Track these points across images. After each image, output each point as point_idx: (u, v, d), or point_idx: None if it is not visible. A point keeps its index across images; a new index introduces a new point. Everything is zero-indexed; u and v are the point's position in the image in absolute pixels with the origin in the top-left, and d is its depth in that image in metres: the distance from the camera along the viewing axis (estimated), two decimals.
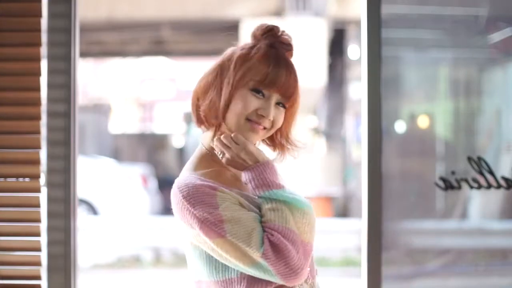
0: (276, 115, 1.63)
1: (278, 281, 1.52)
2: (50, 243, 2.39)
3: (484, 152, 2.58)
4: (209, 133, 1.67)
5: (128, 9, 10.10)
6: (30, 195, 2.36)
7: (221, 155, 1.62)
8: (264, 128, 1.63)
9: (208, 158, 1.66)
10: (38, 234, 2.35)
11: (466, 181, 2.49)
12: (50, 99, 2.40)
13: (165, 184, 10.93)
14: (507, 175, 2.49)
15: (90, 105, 15.29)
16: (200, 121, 1.67)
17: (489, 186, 2.48)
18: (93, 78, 16.74)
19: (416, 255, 2.67)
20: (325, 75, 10.40)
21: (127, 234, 8.78)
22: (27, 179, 2.36)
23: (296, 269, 1.51)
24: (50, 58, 2.40)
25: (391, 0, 2.49)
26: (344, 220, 10.37)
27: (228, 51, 1.67)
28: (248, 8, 10.00)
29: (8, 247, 2.37)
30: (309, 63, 9.57)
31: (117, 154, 14.09)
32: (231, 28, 9.89)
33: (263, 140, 1.72)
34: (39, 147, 2.36)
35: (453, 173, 2.50)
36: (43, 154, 2.38)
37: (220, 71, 1.63)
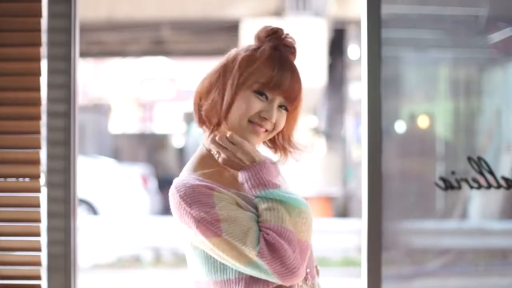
0: (278, 117, 1.64)
1: (276, 280, 1.52)
2: (50, 243, 2.39)
3: (484, 152, 2.58)
4: None
5: (128, 9, 10.10)
6: (30, 195, 2.36)
7: (217, 155, 1.62)
8: (266, 131, 1.64)
9: (208, 159, 1.66)
10: (38, 234, 2.35)
11: (466, 181, 2.49)
12: (50, 99, 2.40)
13: (165, 184, 10.92)
14: (507, 175, 2.49)
15: (90, 105, 15.28)
16: (201, 121, 1.67)
17: (489, 186, 2.48)
18: (93, 78, 16.74)
19: (416, 255, 2.67)
20: (325, 75, 10.40)
21: (127, 234, 8.78)
22: (27, 179, 2.36)
23: (292, 268, 1.50)
24: (50, 58, 2.40)
25: (391, 0, 2.49)
26: (344, 220, 10.36)
27: (232, 52, 1.67)
28: (248, 8, 10.00)
29: (8, 247, 2.37)
30: (309, 63, 9.57)
31: (117, 154, 14.09)
32: (231, 28, 9.90)
33: (264, 142, 1.72)
34: (39, 147, 2.36)
35: (453, 173, 2.50)
36: (43, 154, 2.38)
37: (223, 72, 1.63)
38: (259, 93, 1.61)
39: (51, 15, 2.39)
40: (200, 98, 1.67)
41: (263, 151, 1.73)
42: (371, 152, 2.41)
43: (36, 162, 2.35)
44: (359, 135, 9.80)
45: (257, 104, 1.61)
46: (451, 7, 2.63)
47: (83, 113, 12.03)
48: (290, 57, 1.65)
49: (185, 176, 1.62)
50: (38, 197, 2.35)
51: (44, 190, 2.39)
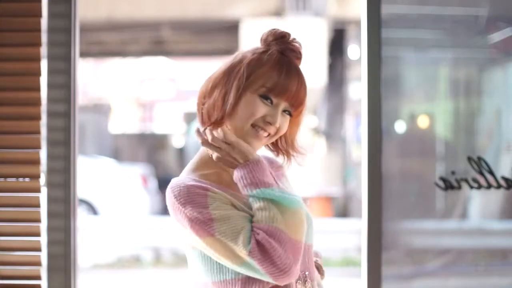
0: (282, 122, 1.64)
1: (269, 280, 1.52)
2: (50, 243, 2.39)
3: (484, 152, 2.58)
4: None
5: (128, 9, 10.10)
6: (30, 195, 2.36)
7: (210, 152, 1.62)
8: (268, 135, 1.64)
9: (208, 160, 1.66)
10: (38, 234, 2.35)
11: (466, 181, 2.49)
12: (50, 99, 2.40)
13: (165, 184, 10.76)
14: (507, 175, 2.49)
15: (90, 105, 15.28)
16: (204, 121, 1.67)
17: (489, 186, 2.48)
18: (93, 78, 16.74)
19: (416, 255, 2.67)
20: (325, 75, 10.40)
21: (127, 234, 8.78)
22: (27, 179, 2.36)
23: (284, 268, 1.50)
24: (50, 58, 2.40)
25: (391, 0, 2.49)
26: (344, 220, 10.36)
27: (239, 54, 1.66)
28: (248, 8, 10.00)
29: (8, 247, 2.37)
30: (309, 63, 9.57)
31: (117, 154, 14.09)
32: (231, 28, 9.90)
33: (266, 146, 1.72)
34: (39, 147, 2.36)
35: (453, 173, 2.50)
36: (43, 154, 2.38)
37: (228, 73, 1.63)
38: (264, 97, 1.61)
39: (51, 15, 2.39)
40: (204, 97, 1.66)
41: (269, 153, 1.73)
42: (371, 152, 2.41)
43: (36, 162, 2.35)
44: (359, 135, 9.80)
45: (262, 108, 1.61)
46: (451, 7, 2.63)
47: (83, 113, 12.03)
48: (296, 62, 1.65)
49: (183, 177, 1.63)
50: (38, 197, 2.35)
51: (44, 190, 2.39)
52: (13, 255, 2.37)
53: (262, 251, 1.49)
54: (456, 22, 2.63)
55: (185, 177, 1.62)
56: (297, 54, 1.66)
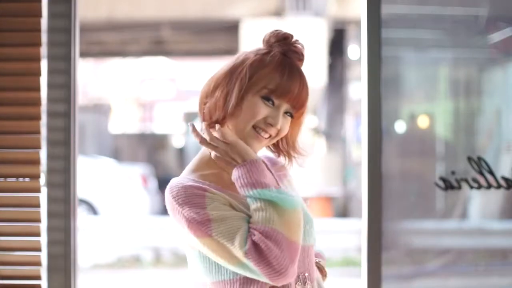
0: (283, 123, 1.64)
1: (266, 280, 1.52)
2: (50, 243, 2.39)
3: (484, 152, 2.58)
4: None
5: (128, 9, 10.10)
6: (30, 195, 2.36)
7: (210, 152, 1.62)
8: (269, 136, 1.64)
9: (209, 160, 1.66)
10: (38, 234, 2.35)
11: (466, 181, 2.49)
12: (50, 99, 2.40)
13: (165, 184, 10.69)
14: (507, 175, 2.49)
15: (90, 105, 15.28)
16: (206, 121, 1.67)
17: (489, 186, 2.48)
18: (93, 78, 16.74)
19: (416, 255, 2.67)
20: (325, 75, 10.40)
21: (127, 234, 8.78)
22: (27, 179, 2.36)
23: (280, 269, 1.50)
24: (50, 58, 2.40)
25: (391, 0, 2.49)
26: (344, 220, 10.36)
27: (241, 55, 1.66)
28: (248, 8, 10.00)
29: (8, 247, 2.37)
30: (309, 63, 9.55)
31: (117, 154, 14.09)
32: (231, 28, 9.90)
33: (267, 147, 1.72)
34: (39, 147, 2.36)
35: (453, 173, 2.50)
36: (43, 154, 2.38)
37: (230, 73, 1.63)
38: (266, 98, 1.61)
39: (51, 15, 2.39)
40: (206, 97, 1.66)
41: (270, 154, 1.73)
42: (371, 152, 2.41)
43: (36, 162, 2.35)
44: (359, 135, 9.80)
45: (263, 110, 1.61)
46: (451, 7, 2.63)
47: (83, 113, 12.03)
48: (298, 64, 1.65)
49: (182, 177, 1.63)
50: (38, 197, 2.35)
51: (44, 190, 2.39)
52: (13, 255, 2.37)
53: (258, 252, 1.49)
54: (456, 22, 2.63)
55: (184, 178, 1.62)
56: (300, 56, 1.66)
